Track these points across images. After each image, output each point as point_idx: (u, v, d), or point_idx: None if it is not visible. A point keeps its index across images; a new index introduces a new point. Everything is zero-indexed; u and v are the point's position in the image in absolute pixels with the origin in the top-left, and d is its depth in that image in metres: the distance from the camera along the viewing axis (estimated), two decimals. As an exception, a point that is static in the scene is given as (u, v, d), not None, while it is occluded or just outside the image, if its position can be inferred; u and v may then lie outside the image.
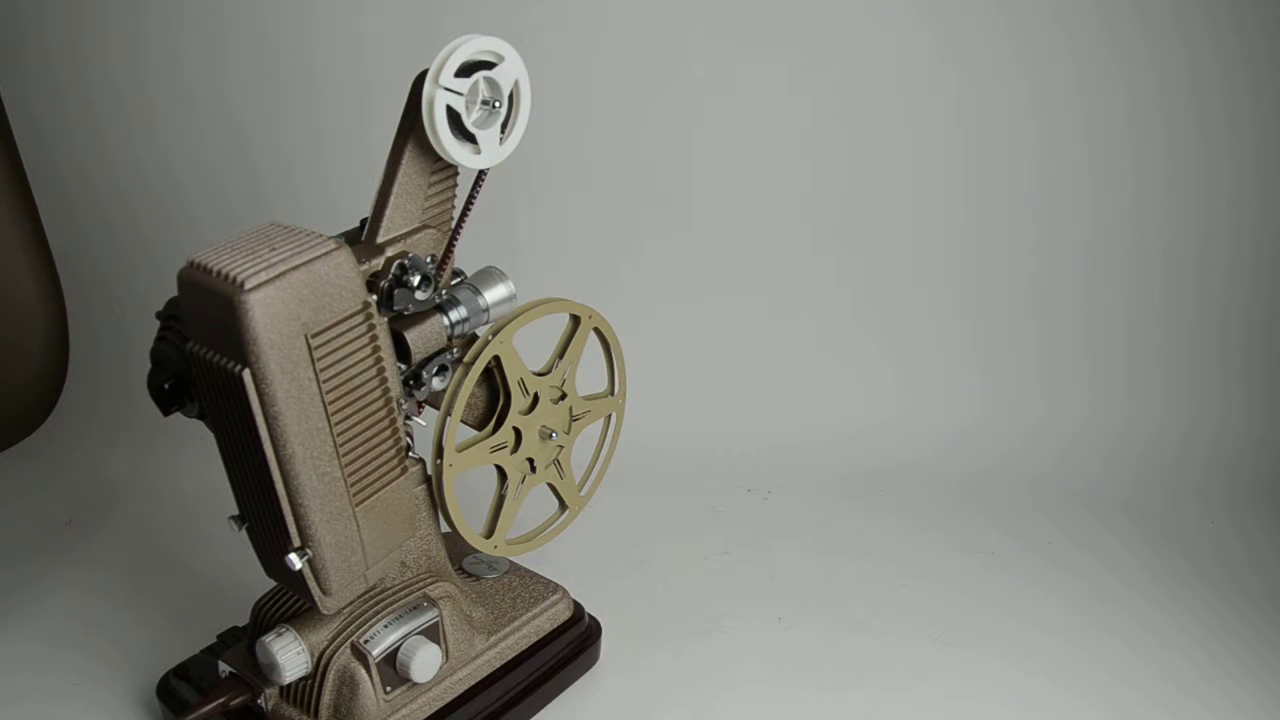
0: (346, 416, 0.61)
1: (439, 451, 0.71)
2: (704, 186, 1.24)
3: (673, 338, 1.25)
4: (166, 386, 0.64)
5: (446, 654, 0.73)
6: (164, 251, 1.26)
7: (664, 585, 0.96)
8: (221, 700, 0.70)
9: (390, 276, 0.64)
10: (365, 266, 0.64)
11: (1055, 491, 1.14)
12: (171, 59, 1.23)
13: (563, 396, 0.78)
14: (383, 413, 0.63)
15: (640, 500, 1.09)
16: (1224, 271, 1.24)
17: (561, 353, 0.78)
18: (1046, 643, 0.89)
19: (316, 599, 0.64)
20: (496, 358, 0.72)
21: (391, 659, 0.69)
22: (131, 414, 1.21)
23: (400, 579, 0.72)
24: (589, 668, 0.84)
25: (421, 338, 0.66)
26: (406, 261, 0.65)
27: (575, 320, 0.78)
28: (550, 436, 0.78)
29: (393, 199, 0.66)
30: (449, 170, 0.68)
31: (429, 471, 0.72)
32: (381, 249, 0.65)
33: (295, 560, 0.61)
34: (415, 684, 0.71)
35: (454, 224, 0.70)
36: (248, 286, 0.54)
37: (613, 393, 0.83)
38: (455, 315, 0.68)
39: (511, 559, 0.85)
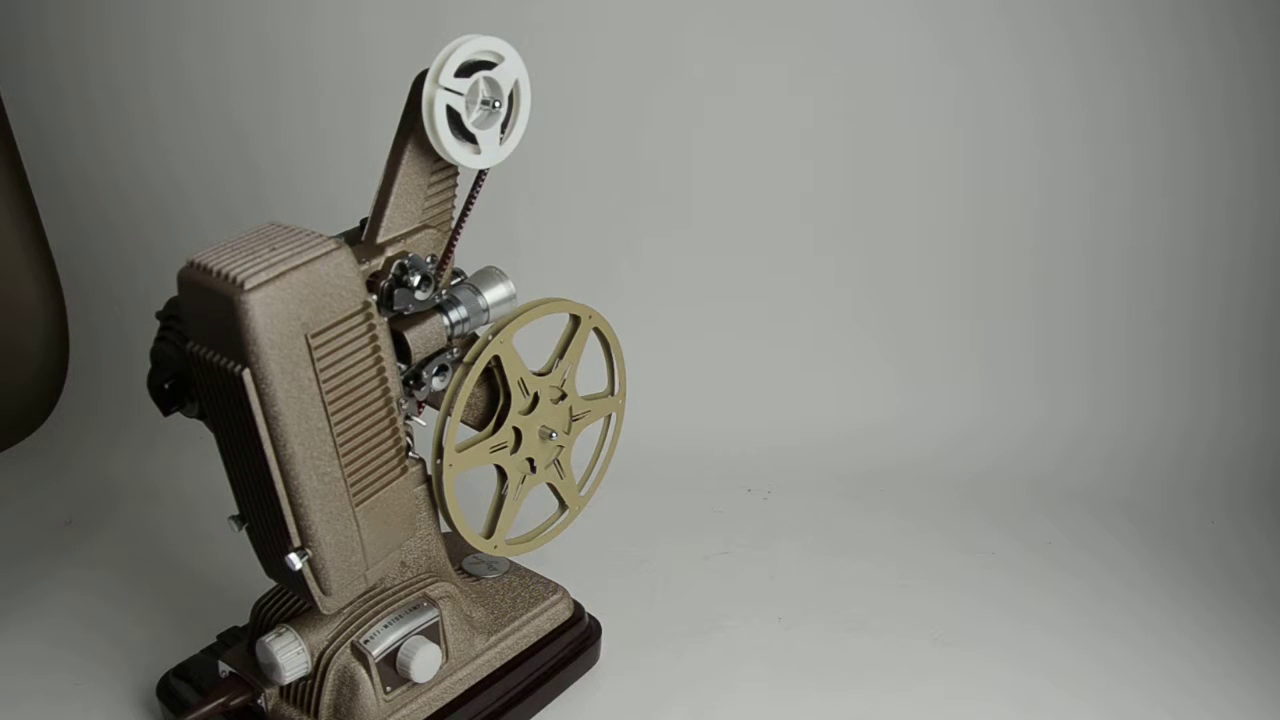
0: (346, 416, 0.61)
1: (439, 451, 0.71)
2: (704, 186, 1.24)
3: (673, 338, 1.25)
4: (166, 386, 0.64)
5: (446, 654, 0.73)
6: (164, 251, 1.26)
7: (664, 585, 0.96)
8: (221, 700, 0.70)
9: (390, 276, 0.64)
10: (365, 266, 0.64)
11: (1055, 491, 1.14)
12: (171, 59, 1.23)
13: (563, 396, 0.78)
14: (383, 413, 0.63)
15: (640, 500, 1.09)
16: (1224, 271, 1.24)
17: (561, 353, 0.78)
18: (1046, 643, 0.89)
19: (316, 599, 0.64)
20: (496, 358, 0.72)
21: (391, 659, 0.69)
22: (131, 414, 1.21)
23: (400, 579, 0.72)
24: (589, 668, 0.84)
25: (421, 338, 0.66)
26: (406, 261, 0.65)
27: (575, 320, 0.78)
28: (550, 436, 0.78)
29: (393, 199, 0.66)
30: (449, 170, 0.68)
31: (429, 471, 0.72)
32: (381, 249, 0.65)
33: (295, 560, 0.61)
34: (415, 684, 0.71)
35: (454, 224, 0.70)
36: (248, 286, 0.54)
37: (613, 393, 0.83)
38: (455, 315, 0.68)
39: (511, 559, 0.85)
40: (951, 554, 1.02)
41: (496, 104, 0.66)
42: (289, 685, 0.69)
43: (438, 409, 0.71)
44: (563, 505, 0.84)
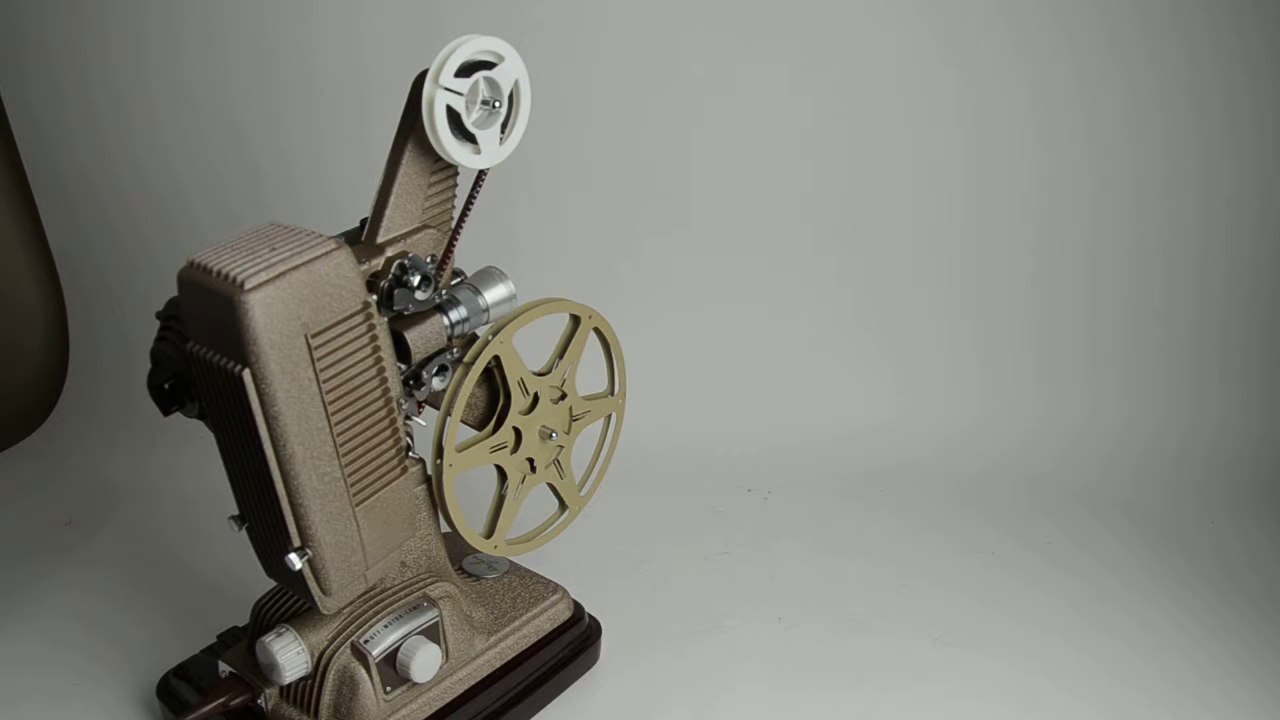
0: (346, 416, 0.61)
1: (439, 451, 0.71)
2: (704, 186, 1.24)
3: (673, 338, 1.25)
4: (166, 386, 0.64)
5: (446, 654, 0.73)
6: (164, 251, 1.26)
7: (664, 585, 0.96)
8: (221, 700, 0.70)
9: (390, 276, 0.64)
10: (365, 266, 0.64)
11: (1055, 491, 1.14)
12: (171, 59, 1.23)
13: (563, 396, 0.78)
14: (383, 413, 0.63)
15: (640, 500, 1.09)
16: (1224, 271, 1.24)
17: (561, 353, 0.78)
18: (1046, 643, 0.89)
19: (316, 599, 0.64)
20: (496, 358, 0.72)
21: (391, 659, 0.69)
22: (131, 414, 1.21)
23: (400, 579, 0.72)
24: (589, 668, 0.84)
25: (421, 338, 0.66)
26: (406, 261, 0.65)
27: (575, 320, 0.78)
28: (550, 436, 0.78)
29: (393, 199, 0.66)
30: (449, 170, 0.68)
31: (429, 471, 0.72)
32: (381, 249, 0.65)
33: (295, 560, 0.61)
34: (415, 684, 0.71)
35: (454, 224, 0.70)
36: (248, 286, 0.54)
37: (613, 393, 0.83)
38: (455, 315, 0.68)
39: (511, 559, 0.85)
40: (951, 554, 1.02)
41: (496, 104, 0.66)
42: (289, 685, 0.69)
43: (438, 409, 0.71)
44: (563, 505, 0.84)
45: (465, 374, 0.70)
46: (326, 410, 0.59)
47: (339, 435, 0.61)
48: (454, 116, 0.63)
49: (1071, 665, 0.86)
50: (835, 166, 1.23)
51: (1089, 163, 1.21)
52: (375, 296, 0.63)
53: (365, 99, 1.20)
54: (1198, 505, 1.12)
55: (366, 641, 0.68)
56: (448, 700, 0.74)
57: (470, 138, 0.65)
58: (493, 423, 0.75)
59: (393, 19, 1.18)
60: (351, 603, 0.68)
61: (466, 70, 0.63)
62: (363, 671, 0.68)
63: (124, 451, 1.20)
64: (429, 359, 0.68)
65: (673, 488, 1.13)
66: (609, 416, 0.84)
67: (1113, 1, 1.14)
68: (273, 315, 0.55)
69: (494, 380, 0.75)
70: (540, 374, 0.77)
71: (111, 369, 1.31)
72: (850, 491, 1.13)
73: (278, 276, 0.55)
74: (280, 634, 0.67)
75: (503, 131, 0.67)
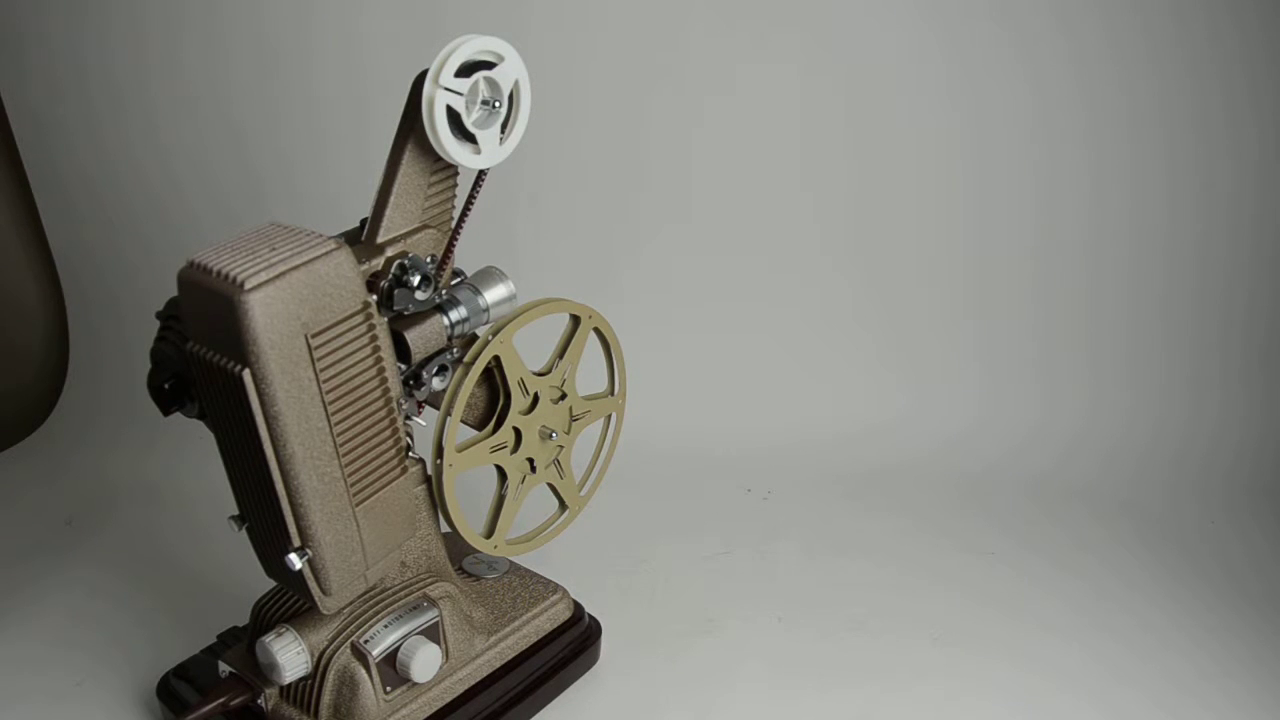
0: (346, 416, 0.61)
1: (439, 451, 0.71)
2: (704, 186, 1.24)
3: (673, 338, 1.25)
4: (166, 386, 0.64)
5: (446, 654, 0.73)
6: (164, 251, 1.26)
7: (664, 585, 0.96)
8: (221, 700, 0.70)
9: (390, 276, 0.64)
10: (365, 266, 0.64)
11: (1055, 491, 1.14)
12: (171, 59, 1.23)
13: (563, 396, 0.78)
14: (383, 413, 0.63)
15: (640, 500, 1.09)
16: (1224, 271, 1.24)
17: (561, 353, 0.78)
18: (1046, 643, 0.89)
19: (316, 599, 0.64)
20: (496, 358, 0.72)
21: (391, 659, 0.69)
22: (131, 414, 1.21)
23: (400, 579, 0.72)
24: (589, 668, 0.84)
25: (421, 338, 0.66)
26: (406, 261, 0.65)
27: (575, 320, 0.78)
28: (550, 436, 0.78)
29: (393, 199, 0.66)
30: (449, 170, 0.68)
31: (429, 471, 0.72)
32: (381, 249, 0.65)
33: (295, 560, 0.61)
34: (415, 684, 0.71)
35: (454, 224, 0.70)
36: (248, 286, 0.54)
37: (613, 393, 0.83)
38: (455, 315, 0.68)
39: (511, 559, 0.85)
40: (951, 554, 1.02)
41: (496, 104, 0.66)
42: (289, 685, 0.69)
43: (438, 409, 0.71)
44: (563, 505, 0.84)
45: (465, 374, 0.70)
46: (326, 410, 0.59)
47: (339, 435, 0.61)
48: (454, 116, 0.63)
49: (1071, 665, 0.86)
50: (835, 166, 1.23)
51: (1089, 163, 1.21)
52: (375, 296, 0.63)
53: (365, 99, 1.20)
54: (1198, 505, 1.12)
55: (366, 641, 0.68)
56: (448, 700, 0.74)
57: (470, 138, 0.65)
58: (493, 423, 0.75)
59: (393, 19, 1.18)
60: (351, 603, 0.68)
61: (466, 70, 0.63)
62: (363, 671, 0.68)
63: (124, 451, 1.20)
64: (429, 359, 0.68)
65: (673, 488, 1.13)
66: (609, 416, 0.84)
67: (1113, 1, 1.14)
68: (273, 315, 0.55)
69: (494, 380, 0.75)
70: (540, 374, 0.77)
71: (111, 369, 1.31)
72: (850, 491, 1.13)
73: (278, 276, 0.55)
74: (280, 634, 0.67)
75: (503, 131, 0.67)
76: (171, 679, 0.78)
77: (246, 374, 0.55)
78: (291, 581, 0.64)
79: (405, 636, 0.69)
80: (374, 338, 0.61)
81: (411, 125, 0.65)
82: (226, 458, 0.62)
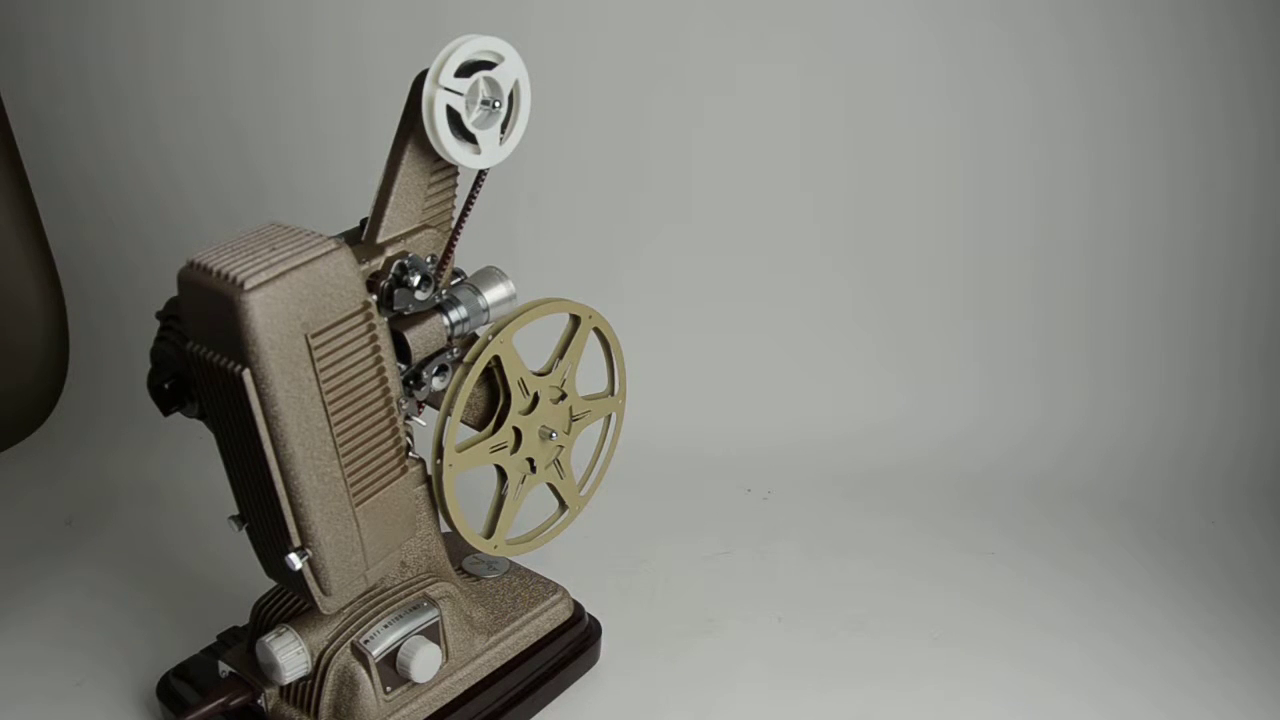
0: (346, 416, 0.61)
1: (439, 451, 0.71)
2: (704, 186, 1.24)
3: (673, 338, 1.25)
4: (166, 386, 0.64)
5: (446, 654, 0.73)
6: (164, 251, 1.26)
7: (664, 585, 0.96)
8: (221, 700, 0.70)
9: (390, 276, 0.64)
10: (365, 266, 0.64)
11: (1055, 491, 1.14)
12: (171, 59, 1.23)
13: (563, 396, 0.78)
14: (383, 413, 0.63)
15: (640, 500, 1.09)
16: (1224, 271, 1.24)
17: (561, 353, 0.78)
18: (1046, 643, 0.89)
19: (316, 599, 0.64)
20: (496, 358, 0.72)
21: (391, 659, 0.69)
22: (131, 414, 1.21)
23: (400, 579, 0.72)
24: (589, 668, 0.84)
25: (421, 338, 0.66)
26: (406, 261, 0.65)
27: (575, 320, 0.78)
28: (550, 436, 0.78)
29: (393, 199, 0.66)
30: (449, 170, 0.68)
31: (429, 471, 0.72)
32: (381, 249, 0.65)
33: (295, 560, 0.61)
34: (415, 684, 0.71)
35: (454, 224, 0.70)
36: (248, 286, 0.54)
37: (613, 393, 0.83)
38: (455, 315, 0.68)
39: (511, 559, 0.85)
40: (951, 554, 1.02)
41: (496, 104, 0.66)
42: (289, 685, 0.69)
43: (438, 409, 0.71)
44: (563, 505, 0.84)
45: (465, 374, 0.70)
46: (326, 410, 0.59)
47: (339, 435, 0.61)
48: (454, 116, 0.63)
49: (1071, 665, 0.86)
50: (835, 166, 1.23)
51: (1089, 163, 1.21)
52: (375, 296, 0.63)
53: (365, 99, 1.20)
54: (1198, 505, 1.12)
55: (366, 641, 0.68)
56: (448, 700, 0.74)
57: (470, 138, 0.65)
58: (493, 423, 0.75)
59: (393, 19, 1.18)
60: (351, 603, 0.68)
61: (466, 70, 0.63)
62: (363, 671, 0.68)
63: (124, 451, 1.20)
64: (429, 359, 0.68)
65: (673, 488, 1.13)
66: (609, 416, 0.84)
67: (1113, 1, 1.14)
68: (273, 315, 0.55)
69: (494, 380, 0.75)
70: (540, 374, 0.77)
71: (111, 369, 1.31)
72: (850, 491, 1.13)
73: (278, 276, 0.55)
74: (280, 634, 0.67)
75: (503, 131, 0.67)
76: (171, 679, 0.78)
77: (246, 374, 0.55)
78: (291, 581, 0.64)
79: (405, 636, 0.69)
80: (374, 338, 0.61)
81: (411, 125, 0.65)
82: (226, 458, 0.62)
